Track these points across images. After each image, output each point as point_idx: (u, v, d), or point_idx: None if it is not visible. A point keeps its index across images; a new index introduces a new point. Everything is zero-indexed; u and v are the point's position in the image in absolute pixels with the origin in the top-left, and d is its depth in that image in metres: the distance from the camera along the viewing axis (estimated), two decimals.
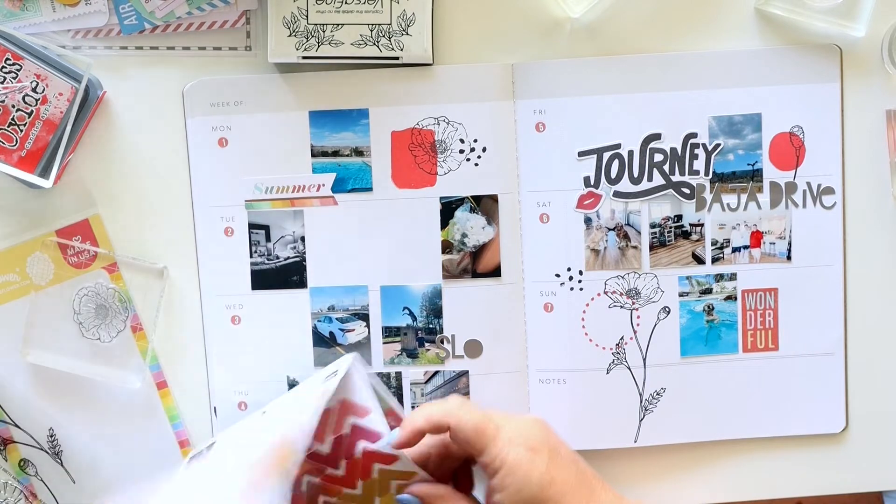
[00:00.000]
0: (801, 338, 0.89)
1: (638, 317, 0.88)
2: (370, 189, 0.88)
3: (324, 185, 0.87)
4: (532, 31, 0.87)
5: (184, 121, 0.88)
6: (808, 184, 0.88)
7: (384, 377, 0.89)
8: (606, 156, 0.87)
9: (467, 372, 0.88)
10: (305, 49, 0.85)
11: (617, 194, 0.87)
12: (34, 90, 0.83)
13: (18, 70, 0.83)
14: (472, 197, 0.87)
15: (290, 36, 0.85)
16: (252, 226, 0.88)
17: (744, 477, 0.90)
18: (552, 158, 0.87)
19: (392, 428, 0.77)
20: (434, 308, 0.88)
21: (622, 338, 0.88)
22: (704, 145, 0.87)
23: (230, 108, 0.87)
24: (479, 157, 0.87)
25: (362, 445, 0.77)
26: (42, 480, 0.89)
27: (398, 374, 0.89)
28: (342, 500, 0.79)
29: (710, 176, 0.88)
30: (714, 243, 0.88)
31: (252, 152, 0.87)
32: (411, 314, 0.88)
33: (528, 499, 0.74)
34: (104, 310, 0.88)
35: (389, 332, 0.88)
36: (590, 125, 0.87)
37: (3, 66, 0.83)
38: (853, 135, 0.87)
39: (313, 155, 0.87)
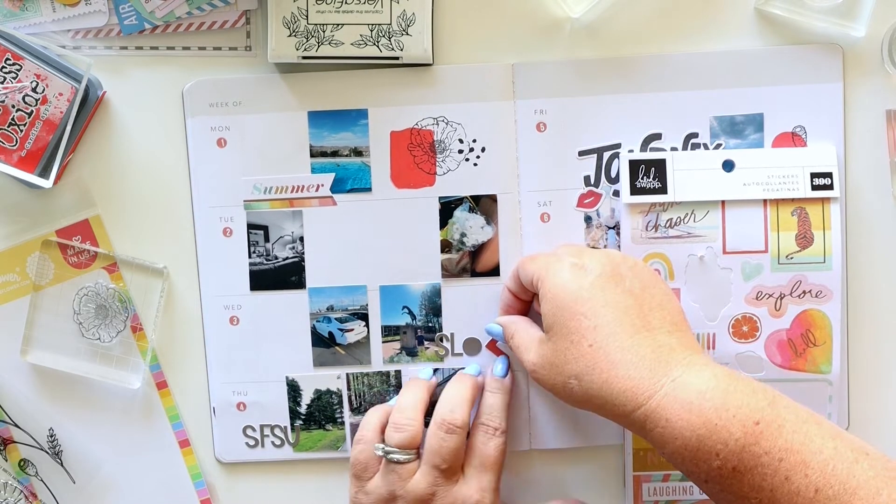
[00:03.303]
0: None
1: None
2: (369, 189, 0.87)
3: (323, 185, 0.87)
4: (532, 31, 0.87)
5: (184, 121, 0.88)
6: None
7: (384, 376, 0.89)
8: (606, 155, 0.87)
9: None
10: (305, 49, 0.85)
11: (617, 193, 0.87)
12: (34, 90, 0.83)
13: (18, 70, 0.83)
14: (470, 197, 0.87)
15: (290, 36, 0.85)
16: (251, 226, 0.88)
17: None
18: (552, 158, 0.87)
19: None
20: (433, 307, 0.88)
21: None
22: (705, 145, 0.87)
23: (229, 108, 0.87)
24: (478, 157, 0.87)
25: None
26: (42, 480, 0.89)
27: (398, 373, 0.89)
28: None
29: None
30: None
31: (251, 152, 0.87)
32: (410, 313, 0.88)
33: (560, 306, 0.76)
34: (104, 310, 0.88)
35: (389, 331, 0.88)
36: (590, 125, 0.87)
37: (3, 66, 0.83)
38: (854, 135, 0.87)
39: (312, 155, 0.87)
